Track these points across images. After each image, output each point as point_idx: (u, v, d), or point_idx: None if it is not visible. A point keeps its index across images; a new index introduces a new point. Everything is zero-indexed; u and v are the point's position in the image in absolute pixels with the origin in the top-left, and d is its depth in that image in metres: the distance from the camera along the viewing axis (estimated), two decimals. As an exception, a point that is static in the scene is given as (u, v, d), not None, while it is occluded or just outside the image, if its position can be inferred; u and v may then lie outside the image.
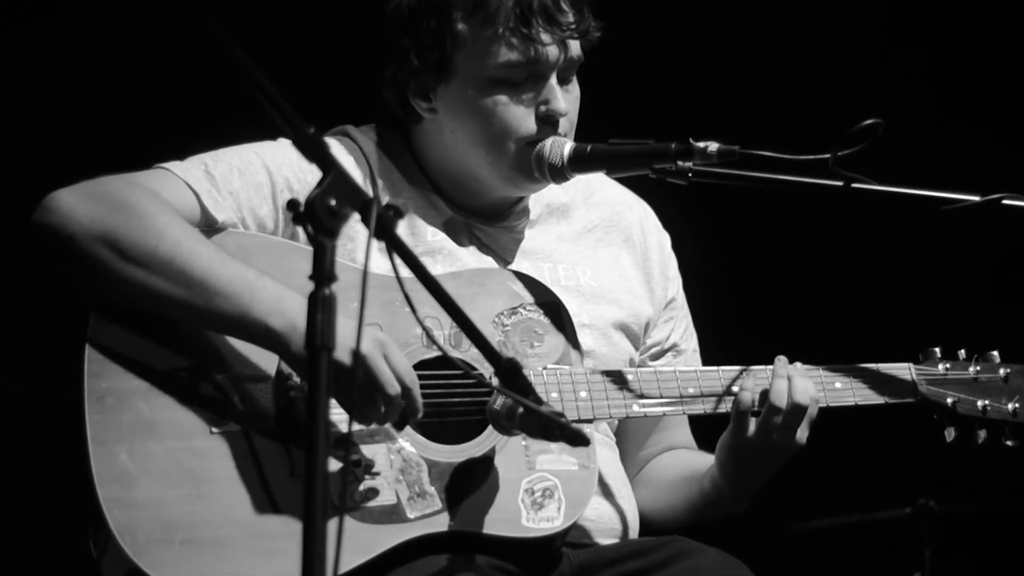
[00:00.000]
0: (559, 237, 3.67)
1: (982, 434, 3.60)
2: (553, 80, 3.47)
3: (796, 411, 3.42)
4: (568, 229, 3.69)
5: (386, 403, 3.16)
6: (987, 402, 3.61)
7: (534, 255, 3.62)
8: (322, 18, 5.05)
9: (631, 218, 3.76)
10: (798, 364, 3.49)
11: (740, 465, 3.50)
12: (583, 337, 3.50)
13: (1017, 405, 3.61)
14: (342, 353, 2.89)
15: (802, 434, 3.45)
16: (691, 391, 3.48)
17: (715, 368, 3.52)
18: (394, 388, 3.15)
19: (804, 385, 3.44)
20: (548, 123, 3.48)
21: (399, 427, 3.24)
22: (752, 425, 3.44)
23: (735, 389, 3.47)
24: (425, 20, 3.46)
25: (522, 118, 3.47)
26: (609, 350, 3.60)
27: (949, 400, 3.60)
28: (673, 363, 3.74)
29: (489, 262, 3.56)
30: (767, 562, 3.64)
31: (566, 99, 3.49)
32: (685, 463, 3.69)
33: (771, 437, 3.44)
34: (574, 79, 3.53)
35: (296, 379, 3.24)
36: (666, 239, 3.82)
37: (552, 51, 3.45)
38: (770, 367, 3.48)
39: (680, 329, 3.78)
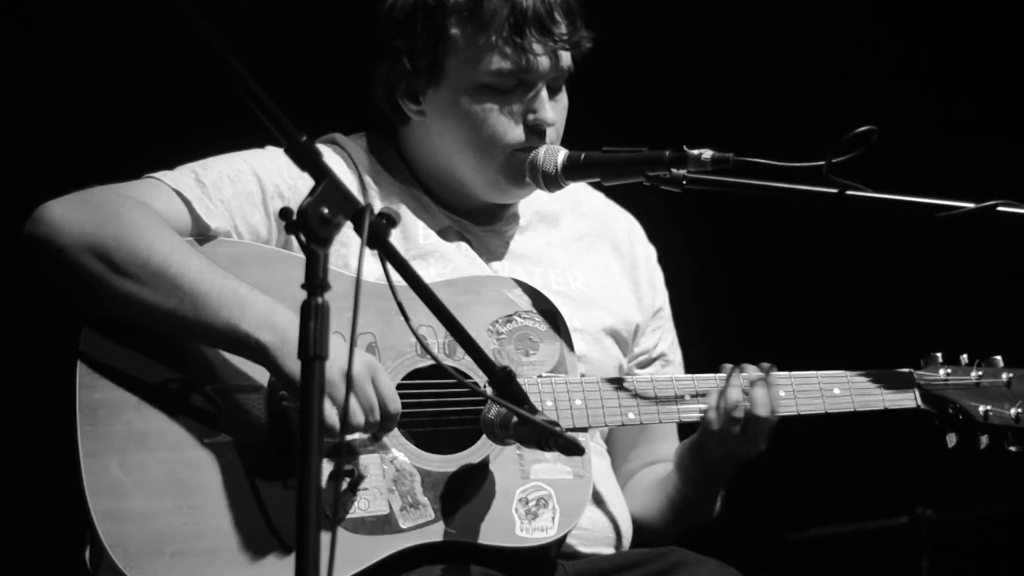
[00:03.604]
0: (549, 243, 3.67)
1: (984, 440, 3.58)
2: (542, 90, 3.48)
3: (754, 423, 3.41)
4: (558, 236, 3.69)
5: (365, 427, 3.18)
6: (989, 407, 3.58)
7: (525, 259, 3.62)
8: (311, 24, 5.04)
9: (619, 228, 3.78)
10: (751, 371, 3.46)
11: (706, 471, 3.51)
12: (575, 342, 3.49)
13: (1020, 410, 3.58)
14: (332, 369, 3.01)
15: (762, 442, 3.44)
16: (687, 397, 3.46)
17: (712, 375, 3.49)
18: (374, 416, 3.17)
19: (763, 399, 3.42)
20: (535, 132, 3.49)
21: (373, 440, 3.26)
22: (715, 440, 3.43)
23: (703, 405, 3.44)
24: (419, 24, 3.48)
25: (509, 126, 3.48)
26: (601, 355, 3.59)
27: (951, 406, 3.58)
28: (661, 373, 3.72)
29: (481, 265, 3.55)
30: (765, 572, 3.63)
31: (554, 109, 3.51)
32: (660, 472, 3.67)
33: (732, 448, 3.43)
34: (563, 89, 3.55)
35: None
36: (652, 252, 3.82)
37: (543, 61, 3.47)
38: (759, 373, 3.47)
39: (667, 340, 3.78)
